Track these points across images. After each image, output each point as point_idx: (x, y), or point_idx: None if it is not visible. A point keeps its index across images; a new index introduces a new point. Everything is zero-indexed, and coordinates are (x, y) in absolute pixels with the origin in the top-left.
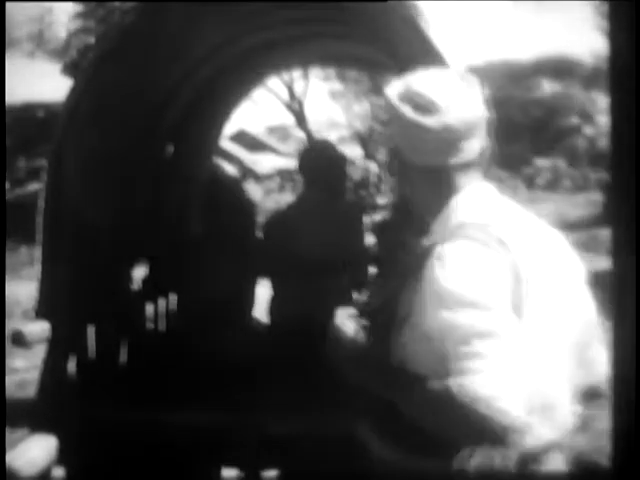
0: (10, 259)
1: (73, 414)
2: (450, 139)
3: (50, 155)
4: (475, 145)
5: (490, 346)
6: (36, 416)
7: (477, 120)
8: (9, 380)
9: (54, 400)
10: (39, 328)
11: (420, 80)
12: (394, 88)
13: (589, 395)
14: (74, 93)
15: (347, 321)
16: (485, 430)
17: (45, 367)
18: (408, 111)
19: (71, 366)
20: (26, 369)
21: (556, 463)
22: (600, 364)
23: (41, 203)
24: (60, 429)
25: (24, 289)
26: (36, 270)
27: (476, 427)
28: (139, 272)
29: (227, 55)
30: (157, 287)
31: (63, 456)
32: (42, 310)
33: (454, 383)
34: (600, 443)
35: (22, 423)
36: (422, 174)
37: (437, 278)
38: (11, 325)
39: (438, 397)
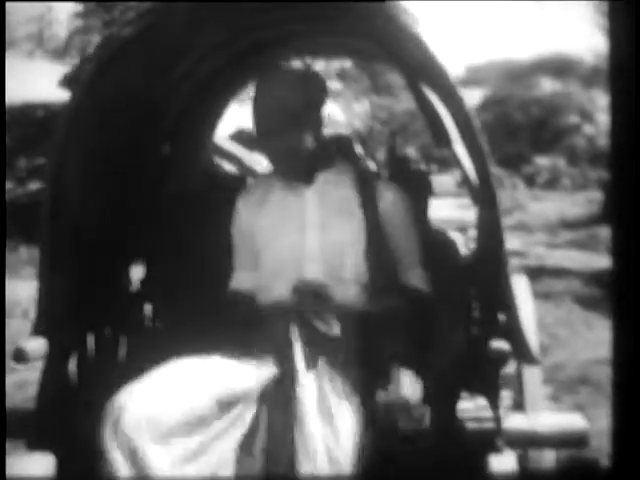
0: (10, 259)
1: (73, 425)
2: None
3: (50, 159)
4: None
5: None
6: (35, 427)
7: None
8: (9, 379)
9: (53, 412)
10: (40, 344)
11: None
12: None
13: None
14: (75, 95)
15: None
16: None
17: (44, 378)
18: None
19: (71, 372)
20: (25, 368)
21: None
22: None
23: (43, 202)
24: (59, 441)
25: (24, 289)
26: (36, 277)
27: None
28: (137, 272)
29: (227, 54)
30: (155, 287)
31: (61, 468)
32: (40, 327)
33: None
34: (600, 442)
35: (21, 434)
36: None
37: None
38: (11, 325)
39: None
